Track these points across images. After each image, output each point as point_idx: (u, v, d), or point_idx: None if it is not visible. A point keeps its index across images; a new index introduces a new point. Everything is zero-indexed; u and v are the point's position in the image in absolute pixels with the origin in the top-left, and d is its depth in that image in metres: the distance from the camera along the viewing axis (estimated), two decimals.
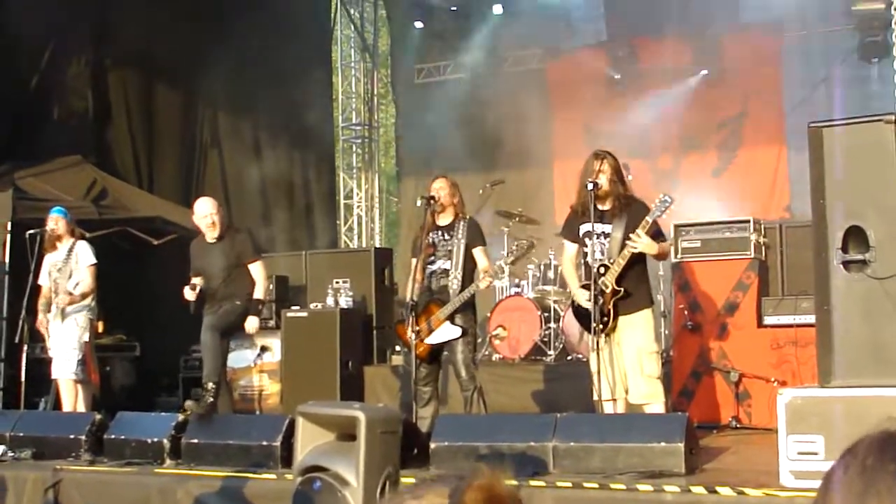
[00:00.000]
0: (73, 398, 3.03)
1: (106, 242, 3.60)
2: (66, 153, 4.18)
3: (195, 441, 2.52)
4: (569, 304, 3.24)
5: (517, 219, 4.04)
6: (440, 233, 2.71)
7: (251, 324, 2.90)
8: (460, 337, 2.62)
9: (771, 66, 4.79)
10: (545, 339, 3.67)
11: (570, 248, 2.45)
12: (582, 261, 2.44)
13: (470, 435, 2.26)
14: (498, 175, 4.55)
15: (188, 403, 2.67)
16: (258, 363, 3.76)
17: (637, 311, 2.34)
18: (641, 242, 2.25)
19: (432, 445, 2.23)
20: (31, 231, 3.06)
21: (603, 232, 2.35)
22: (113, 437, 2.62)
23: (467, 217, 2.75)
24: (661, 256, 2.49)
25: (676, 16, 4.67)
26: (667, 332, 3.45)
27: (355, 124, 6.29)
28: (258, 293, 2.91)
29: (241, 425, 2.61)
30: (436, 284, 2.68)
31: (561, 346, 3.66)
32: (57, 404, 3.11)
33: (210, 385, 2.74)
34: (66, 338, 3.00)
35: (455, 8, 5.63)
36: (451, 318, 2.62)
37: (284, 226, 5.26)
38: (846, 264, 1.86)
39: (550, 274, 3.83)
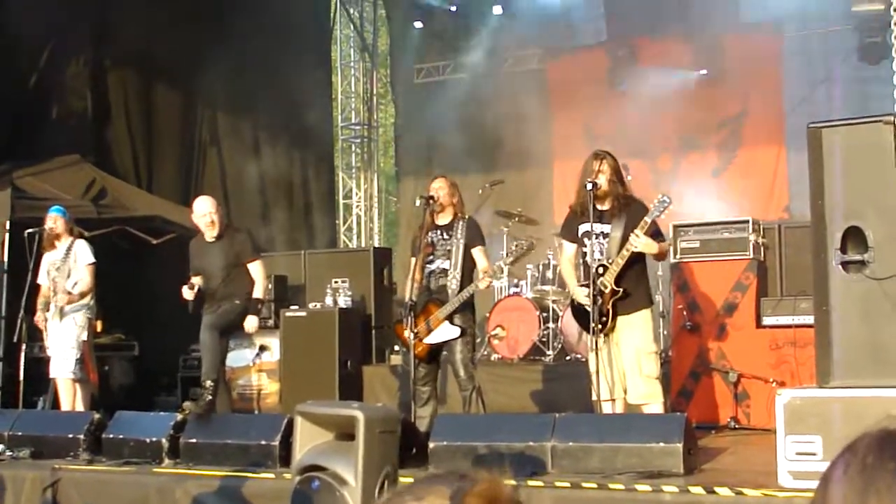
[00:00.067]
0: (71, 397, 3.02)
1: (105, 242, 3.60)
2: (65, 152, 4.18)
3: (194, 440, 2.52)
4: (567, 304, 3.24)
5: (516, 219, 4.04)
6: (439, 232, 2.71)
7: (250, 323, 2.90)
8: (459, 337, 2.62)
9: (771, 67, 4.79)
10: (544, 339, 3.67)
11: (569, 248, 2.45)
12: (581, 261, 2.44)
13: (468, 435, 2.25)
14: (497, 175, 4.55)
15: (186, 404, 2.67)
16: (257, 362, 3.75)
17: (636, 312, 2.33)
18: (641, 242, 2.25)
19: (431, 445, 2.23)
20: (30, 230, 3.05)
21: (602, 232, 2.35)
22: (111, 436, 2.62)
23: (466, 217, 2.75)
24: (661, 256, 2.48)
25: (676, 16, 4.67)
26: (666, 332, 3.45)
27: (354, 124, 6.29)
28: (257, 293, 2.90)
29: (240, 425, 2.60)
30: (434, 284, 2.68)
31: (560, 346, 3.66)
32: (55, 403, 3.11)
33: (208, 383, 2.74)
34: (64, 337, 3.00)
35: (455, 8, 5.63)
36: (449, 317, 2.62)
37: (283, 225, 5.26)
38: (845, 265, 1.86)
39: (549, 274, 3.83)
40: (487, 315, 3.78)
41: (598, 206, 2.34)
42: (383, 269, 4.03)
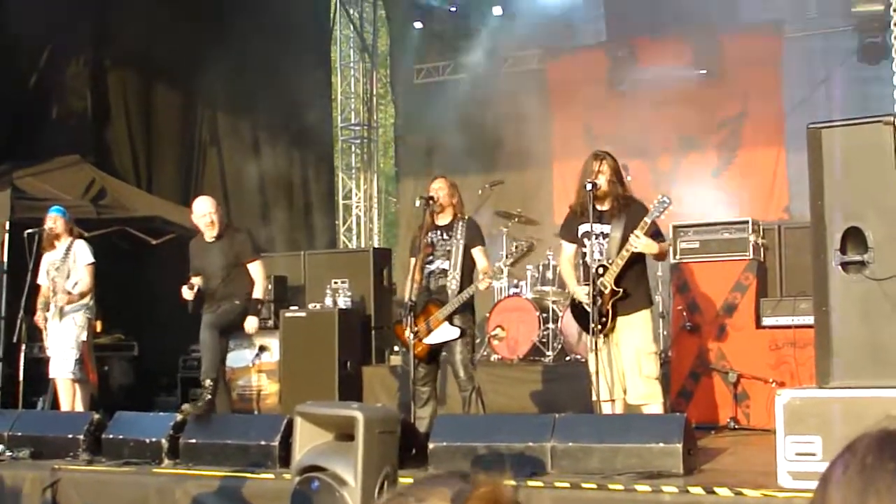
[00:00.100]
0: (71, 397, 3.02)
1: (105, 242, 3.60)
2: (64, 153, 4.18)
3: (193, 441, 2.51)
4: (567, 304, 3.24)
5: (516, 219, 4.04)
6: (439, 233, 2.71)
7: (251, 324, 2.90)
8: (459, 337, 2.62)
9: (770, 67, 4.79)
10: (544, 340, 3.67)
11: (569, 248, 2.45)
12: (581, 261, 2.44)
13: (468, 435, 2.25)
14: (497, 175, 4.54)
15: (185, 407, 2.66)
16: (256, 363, 3.75)
17: (636, 312, 2.33)
18: (641, 242, 2.25)
19: (431, 445, 2.23)
20: (30, 230, 3.05)
21: (602, 232, 2.35)
22: (111, 436, 2.62)
23: (466, 217, 2.75)
24: (661, 256, 2.48)
25: (676, 16, 4.65)
26: (665, 332, 3.44)
27: (354, 124, 6.29)
28: (257, 293, 2.90)
29: (240, 425, 2.60)
30: (434, 284, 2.68)
31: (559, 346, 3.65)
32: (55, 404, 3.11)
33: (208, 382, 2.73)
34: (64, 337, 3.00)
35: (454, 8, 5.63)
36: (449, 318, 2.61)
37: (283, 226, 5.25)
38: (845, 265, 1.86)
39: (549, 274, 3.82)
40: (487, 315, 3.78)
41: (598, 207, 2.34)
42: (383, 269, 4.03)
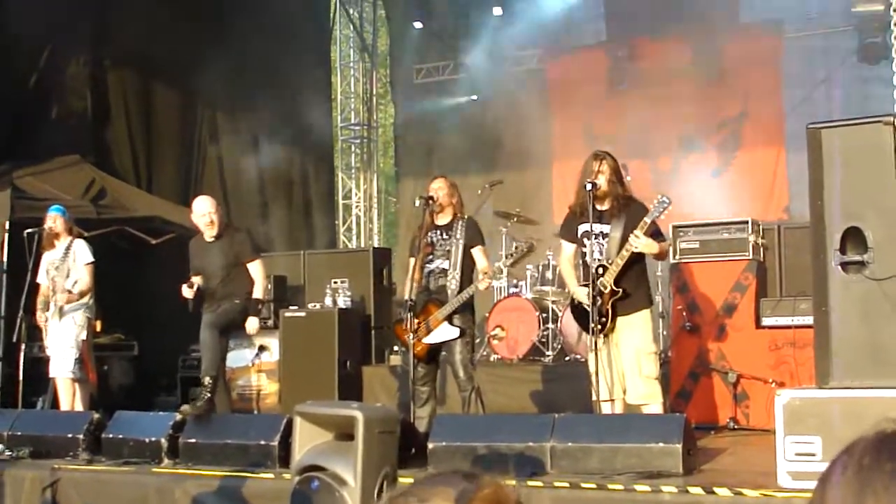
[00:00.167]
0: (70, 397, 3.02)
1: (104, 242, 3.60)
2: (64, 153, 4.18)
3: (193, 440, 2.51)
4: (567, 304, 3.23)
5: (516, 219, 4.03)
6: (438, 232, 2.70)
7: (251, 325, 2.90)
8: (458, 337, 2.62)
9: (770, 67, 4.79)
10: (543, 340, 3.67)
11: (568, 248, 2.45)
12: (580, 261, 2.44)
13: (468, 435, 2.25)
14: (497, 175, 4.54)
15: (184, 408, 2.66)
16: (256, 363, 3.74)
17: (635, 312, 2.33)
18: (641, 242, 2.24)
19: (430, 445, 2.22)
20: (30, 230, 3.05)
21: (601, 232, 2.35)
22: (111, 436, 2.62)
23: (466, 217, 2.74)
24: (661, 256, 2.48)
25: (676, 16, 4.65)
26: (665, 332, 3.44)
27: (354, 124, 6.28)
28: (257, 293, 2.90)
29: (239, 425, 2.60)
30: (434, 284, 2.67)
31: (559, 346, 3.65)
32: (55, 403, 3.11)
33: (207, 380, 2.73)
34: (63, 336, 3.00)
35: (454, 8, 5.62)
36: (449, 318, 2.61)
37: (283, 225, 5.25)
38: (844, 266, 1.85)
39: (549, 274, 3.82)
40: (487, 315, 3.78)
41: (598, 207, 2.34)
42: (383, 269, 4.02)
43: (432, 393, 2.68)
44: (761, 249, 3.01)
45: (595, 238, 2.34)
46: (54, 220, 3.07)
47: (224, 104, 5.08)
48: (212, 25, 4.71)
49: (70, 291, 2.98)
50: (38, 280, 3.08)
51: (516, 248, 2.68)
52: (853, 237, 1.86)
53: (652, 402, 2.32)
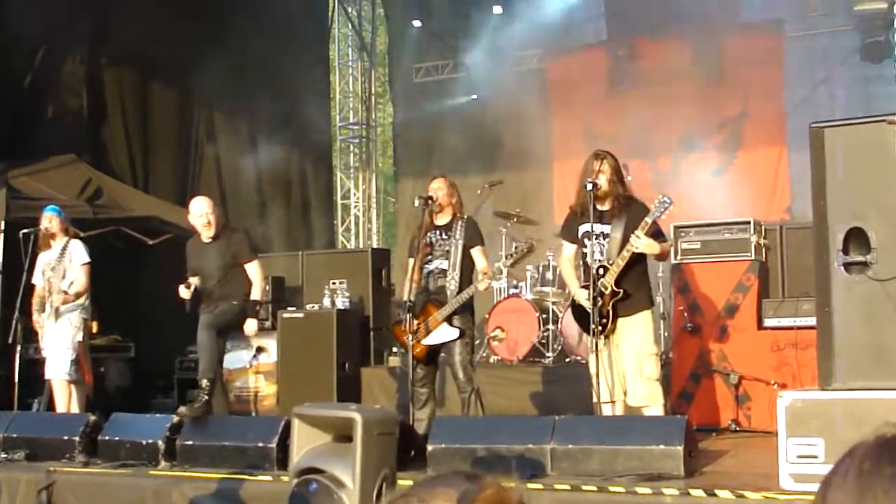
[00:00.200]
0: (66, 399, 3.00)
1: (100, 242, 3.59)
2: (60, 152, 4.16)
3: (190, 443, 2.50)
4: (567, 305, 3.21)
5: (515, 219, 4.01)
6: (438, 232, 2.69)
7: (250, 327, 2.88)
8: (458, 338, 2.60)
9: (772, 66, 4.76)
10: (543, 341, 3.65)
11: (569, 248, 2.43)
12: (581, 262, 2.42)
13: (467, 437, 2.24)
14: (497, 175, 4.52)
15: (181, 410, 2.64)
16: (254, 364, 3.72)
17: (636, 313, 2.32)
18: (642, 243, 2.23)
19: (429, 447, 2.21)
20: (25, 230, 3.04)
21: (602, 232, 2.34)
22: (107, 438, 2.60)
23: (465, 217, 2.73)
24: (662, 257, 2.46)
25: (677, 15, 4.63)
26: (666, 334, 3.42)
27: (353, 124, 6.26)
28: (255, 294, 2.88)
29: (237, 427, 2.58)
30: (433, 285, 2.66)
31: (559, 347, 3.63)
32: (50, 405, 3.09)
33: (205, 382, 2.72)
34: (59, 337, 2.98)
35: (454, 7, 5.60)
36: (448, 319, 2.59)
37: (281, 226, 5.23)
38: (847, 266, 1.85)
39: (549, 275, 3.80)
40: (487, 316, 3.76)
41: (599, 207, 2.32)
42: (381, 269, 4.00)
43: (431, 394, 2.67)
44: (763, 250, 2.99)
45: (596, 238, 2.33)
46: (49, 220, 3.05)
47: (221, 103, 5.04)
48: (209, 24, 4.68)
49: (66, 292, 2.97)
50: (34, 281, 3.06)
51: (516, 248, 2.66)
52: (856, 237, 1.86)
53: (653, 403, 2.31)
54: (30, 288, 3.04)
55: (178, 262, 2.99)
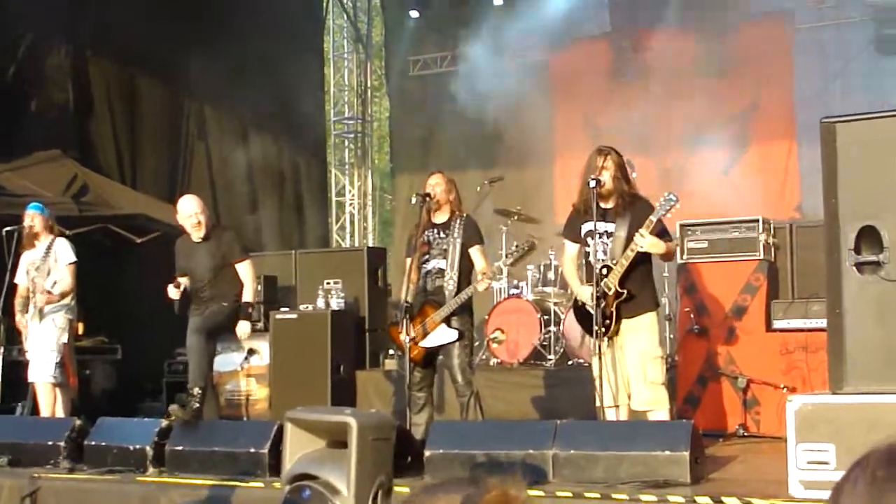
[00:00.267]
0: (51, 402, 2.94)
1: (86, 240, 3.51)
2: (45, 147, 4.08)
3: (179, 448, 2.44)
4: (570, 306, 3.15)
5: (516, 217, 3.95)
6: (436, 231, 2.63)
7: (243, 329, 2.82)
8: (456, 340, 2.55)
9: (782, 59, 4.64)
10: (545, 343, 3.59)
11: (571, 247, 2.38)
12: (584, 261, 2.37)
13: (466, 442, 2.19)
14: (497, 172, 4.48)
15: (172, 408, 2.59)
16: (245, 367, 3.66)
17: (641, 314, 2.26)
18: (646, 242, 2.17)
19: (427, 453, 2.17)
20: (8, 228, 2.96)
21: (606, 231, 2.28)
22: (93, 443, 2.54)
23: (464, 215, 2.67)
24: (668, 256, 2.40)
25: (683, 5, 4.53)
26: (672, 336, 3.37)
27: (348, 118, 6.16)
28: (247, 295, 2.82)
29: (228, 432, 2.53)
30: (431, 285, 2.60)
31: (561, 350, 3.57)
32: (34, 409, 3.02)
33: (196, 390, 2.67)
34: (43, 339, 2.91)
35: None
36: (447, 320, 2.54)
37: (274, 224, 5.17)
38: (859, 266, 1.80)
39: (551, 275, 3.74)
40: (486, 317, 3.70)
41: (602, 205, 2.27)
42: (377, 269, 3.94)
43: (429, 398, 2.62)
44: (772, 249, 2.93)
45: (599, 237, 2.27)
46: (32, 218, 2.97)
47: (212, 97, 4.95)
48: (200, 15, 4.58)
49: (50, 292, 2.90)
50: (17, 280, 2.99)
51: (517, 247, 2.61)
52: (868, 236, 1.81)
53: (658, 408, 2.26)
54: (12, 288, 2.96)
55: (166, 260, 2.92)
